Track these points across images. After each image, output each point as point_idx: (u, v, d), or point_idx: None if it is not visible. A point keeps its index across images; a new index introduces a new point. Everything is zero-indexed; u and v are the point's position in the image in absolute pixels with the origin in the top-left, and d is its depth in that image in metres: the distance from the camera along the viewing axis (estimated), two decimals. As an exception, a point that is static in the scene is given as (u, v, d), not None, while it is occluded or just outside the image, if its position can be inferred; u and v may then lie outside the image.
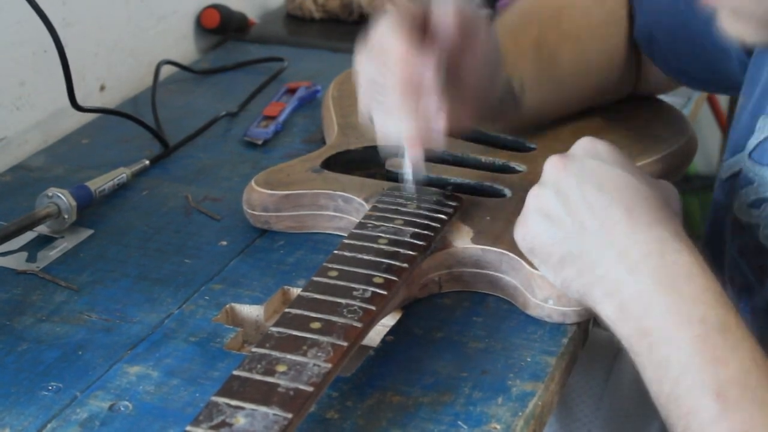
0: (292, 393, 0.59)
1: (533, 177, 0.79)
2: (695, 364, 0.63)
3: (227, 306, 0.79)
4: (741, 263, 0.83)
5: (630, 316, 0.66)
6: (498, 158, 0.92)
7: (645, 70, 1.00)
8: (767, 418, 0.61)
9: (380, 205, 0.81)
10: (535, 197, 0.73)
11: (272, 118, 1.10)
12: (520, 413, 0.67)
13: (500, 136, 0.96)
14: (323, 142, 1.02)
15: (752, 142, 0.82)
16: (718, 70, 0.91)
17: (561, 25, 0.93)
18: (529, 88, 0.90)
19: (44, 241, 0.88)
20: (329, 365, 0.62)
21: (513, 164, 0.91)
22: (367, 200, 0.84)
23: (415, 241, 0.76)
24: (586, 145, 0.74)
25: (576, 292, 0.71)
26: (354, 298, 0.68)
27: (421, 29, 0.76)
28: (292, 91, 1.18)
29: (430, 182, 0.87)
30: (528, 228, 0.73)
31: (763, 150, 0.81)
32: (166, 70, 1.24)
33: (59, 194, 0.88)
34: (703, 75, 0.94)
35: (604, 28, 0.96)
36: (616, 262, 0.67)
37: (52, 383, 0.70)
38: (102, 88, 1.19)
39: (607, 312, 0.68)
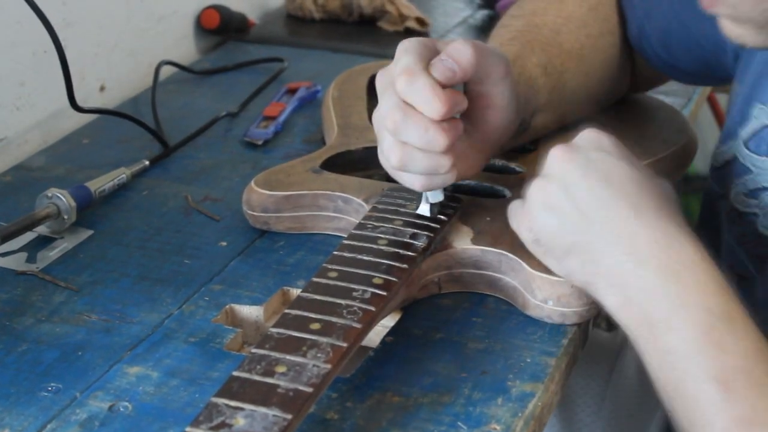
0: (291, 394, 0.59)
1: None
2: (699, 352, 0.63)
3: (227, 307, 0.79)
4: (739, 252, 0.83)
5: (634, 306, 0.67)
6: (497, 159, 0.92)
7: (638, 69, 1.00)
8: None
9: (380, 206, 0.81)
10: (540, 189, 0.72)
11: (272, 118, 1.10)
12: (520, 414, 0.67)
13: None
14: (323, 142, 1.02)
15: (747, 131, 0.82)
16: (712, 63, 0.91)
17: (563, 45, 0.92)
18: (540, 113, 0.89)
19: (44, 242, 0.88)
20: (329, 366, 0.62)
21: (512, 165, 0.91)
22: (366, 201, 0.84)
23: (415, 242, 0.76)
24: (590, 137, 0.73)
25: (579, 282, 0.71)
26: (353, 298, 0.68)
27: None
28: (292, 92, 1.18)
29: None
30: (533, 219, 0.72)
31: (760, 139, 0.81)
32: (166, 71, 1.24)
33: (59, 195, 0.88)
34: (695, 68, 0.93)
35: (602, 39, 0.95)
36: (623, 254, 0.67)
37: (52, 384, 0.70)
38: (102, 88, 1.19)
39: (611, 302, 0.68)
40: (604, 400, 1.04)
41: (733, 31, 0.72)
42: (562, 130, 0.96)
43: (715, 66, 0.91)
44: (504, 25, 0.94)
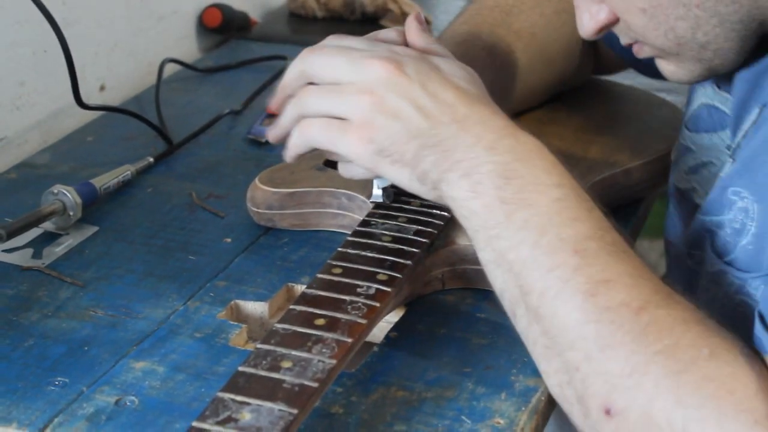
0: (297, 389, 0.59)
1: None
2: (554, 223, 0.65)
3: (232, 302, 0.79)
4: (681, 227, 0.85)
5: (487, 190, 0.67)
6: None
7: (603, 52, 1.01)
8: (624, 268, 0.64)
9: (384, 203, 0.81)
10: (376, 102, 0.70)
11: (276, 115, 1.10)
12: (524, 408, 0.68)
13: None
14: (326, 140, 1.02)
15: (688, 114, 0.85)
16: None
17: (512, 25, 0.94)
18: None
19: (50, 238, 0.88)
20: (334, 361, 0.62)
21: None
22: (370, 198, 0.84)
23: (419, 239, 0.76)
24: (407, 50, 0.74)
25: (432, 181, 0.70)
26: (358, 294, 0.69)
27: None
28: (294, 90, 1.18)
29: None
30: (373, 129, 0.70)
31: (697, 118, 0.83)
32: (169, 69, 1.24)
33: (64, 191, 0.88)
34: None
35: (558, 17, 0.97)
36: (474, 144, 0.68)
37: (59, 378, 0.70)
38: (102, 88, 1.19)
39: (460, 193, 0.68)
40: None
41: (667, 69, 0.76)
42: (565, 125, 0.97)
43: None
44: (463, 11, 0.97)
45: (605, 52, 1.01)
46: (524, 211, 0.66)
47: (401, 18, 1.41)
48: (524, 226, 0.66)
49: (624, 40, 0.76)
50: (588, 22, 0.75)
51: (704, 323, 0.62)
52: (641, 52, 0.76)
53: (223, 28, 1.37)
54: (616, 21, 0.74)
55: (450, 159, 0.69)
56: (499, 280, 0.67)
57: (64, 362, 0.72)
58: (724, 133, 0.80)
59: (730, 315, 0.69)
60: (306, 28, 1.43)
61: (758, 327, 0.63)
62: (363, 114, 0.70)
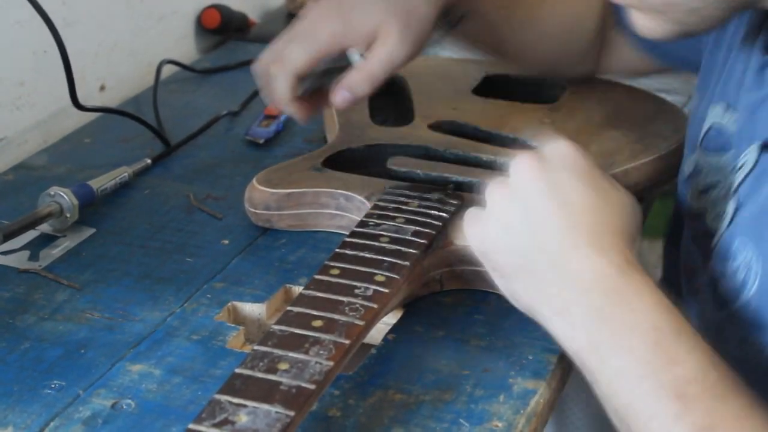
0: (294, 391, 0.59)
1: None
2: (652, 369, 0.62)
3: (229, 304, 0.79)
4: (693, 249, 0.84)
5: (580, 333, 0.64)
6: (499, 156, 0.92)
7: (616, 52, 1.01)
8: (728, 411, 0.60)
9: (382, 204, 0.81)
10: (499, 202, 0.69)
11: (273, 117, 1.10)
12: (522, 411, 0.67)
13: (501, 135, 0.96)
14: (324, 140, 1.02)
15: (701, 134, 0.83)
16: (691, 44, 0.91)
17: None
18: (478, 23, 0.93)
19: (46, 240, 0.88)
20: (331, 363, 0.62)
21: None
22: (368, 198, 0.84)
23: (417, 239, 0.76)
24: (560, 152, 0.70)
25: (523, 305, 0.69)
26: (356, 296, 0.68)
27: None
28: (293, 91, 1.18)
29: (431, 180, 0.87)
30: (486, 233, 0.69)
31: (709, 138, 0.82)
32: (167, 70, 1.24)
33: (61, 193, 0.88)
34: (676, 50, 0.94)
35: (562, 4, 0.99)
36: (569, 283, 0.65)
37: (55, 381, 0.70)
38: (102, 88, 1.19)
39: (555, 328, 0.66)
40: (592, 398, 1.04)
41: (642, 23, 0.73)
42: (565, 124, 0.97)
43: (693, 47, 0.91)
44: None
45: (622, 51, 1.00)
46: (617, 357, 0.63)
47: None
48: (620, 373, 0.62)
49: None
50: None
51: None
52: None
53: (221, 29, 1.37)
54: None
55: (543, 292, 0.66)
56: (610, 414, 0.65)
57: (60, 365, 0.72)
58: (731, 154, 0.78)
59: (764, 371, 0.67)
60: (305, 29, 1.42)
61: None
62: (487, 211, 0.69)
